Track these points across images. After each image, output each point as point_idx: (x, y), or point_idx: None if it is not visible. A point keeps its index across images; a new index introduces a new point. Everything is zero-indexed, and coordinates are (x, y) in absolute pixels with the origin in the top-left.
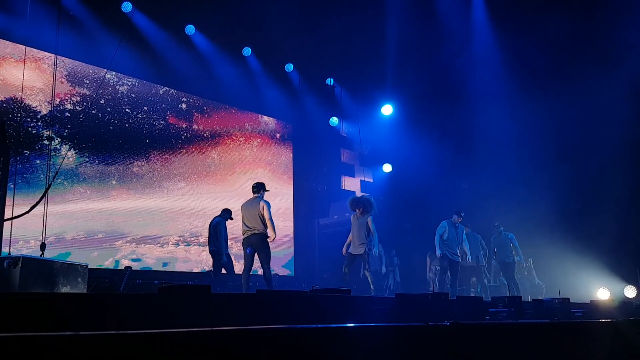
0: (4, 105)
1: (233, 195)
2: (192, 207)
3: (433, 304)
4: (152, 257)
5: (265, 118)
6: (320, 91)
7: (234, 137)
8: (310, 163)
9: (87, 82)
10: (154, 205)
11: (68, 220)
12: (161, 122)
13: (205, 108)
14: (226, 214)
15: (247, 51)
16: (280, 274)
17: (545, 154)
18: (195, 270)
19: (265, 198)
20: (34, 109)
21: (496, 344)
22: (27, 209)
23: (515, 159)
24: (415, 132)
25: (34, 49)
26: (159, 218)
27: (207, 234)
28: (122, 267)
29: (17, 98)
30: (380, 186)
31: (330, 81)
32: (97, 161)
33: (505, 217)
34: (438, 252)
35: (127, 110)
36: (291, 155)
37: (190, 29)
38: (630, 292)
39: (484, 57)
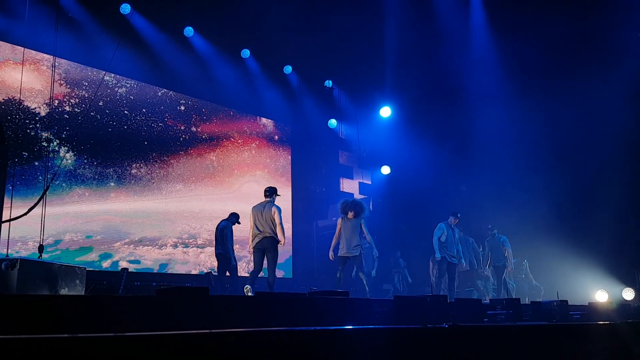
0: (3, 107)
1: (232, 197)
2: (191, 209)
3: (431, 306)
4: (150, 259)
5: (264, 120)
6: (319, 93)
7: (232, 139)
8: (309, 165)
9: (86, 84)
10: (153, 207)
11: (66, 222)
12: (160, 124)
13: (203, 110)
14: (233, 218)
15: (245, 53)
16: (278, 276)
17: (543, 156)
18: (194, 272)
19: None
20: (33, 110)
21: (494, 347)
22: (26, 210)
23: (514, 161)
24: (413, 134)
25: (33, 51)
26: (157, 220)
27: (205, 236)
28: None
29: (15, 100)
30: (378, 188)
31: (328, 83)
32: (95, 163)
33: (503, 219)
34: (438, 256)
35: (125, 112)
36: (290, 157)
37: (188, 31)
38: (628, 294)
39: (483, 59)
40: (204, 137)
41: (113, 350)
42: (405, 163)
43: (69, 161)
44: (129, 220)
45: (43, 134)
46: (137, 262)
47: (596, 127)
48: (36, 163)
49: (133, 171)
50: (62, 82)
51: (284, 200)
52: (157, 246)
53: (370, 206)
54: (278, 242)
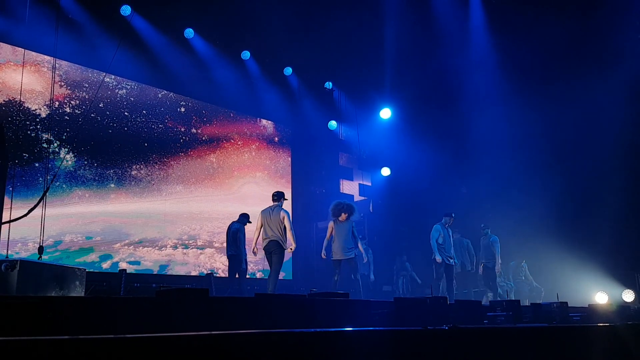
0: (3, 108)
1: (231, 199)
2: (190, 210)
3: (431, 308)
4: (150, 260)
5: (264, 122)
6: (319, 95)
7: (232, 141)
8: (309, 167)
9: (86, 85)
10: (152, 208)
11: (66, 223)
12: (160, 125)
13: (204, 112)
14: (244, 219)
15: (245, 55)
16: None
17: (543, 157)
18: (193, 273)
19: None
20: (33, 112)
21: (494, 348)
22: (26, 211)
23: (513, 162)
24: (413, 136)
25: (33, 52)
26: (157, 221)
27: (205, 237)
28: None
29: (16, 101)
30: (378, 190)
31: (328, 85)
32: (95, 164)
33: (503, 220)
34: (438, 258)
35: (125, 113)
36: (289, 158)
37: (189, 33)
38: (628, 296)
39: (482, 60)
40: (204, 138)
41: (113, 351)
42: (405, 164)
43: (69, 162)
44: (129, 222)
45: (43, 135)
46: (137, 263)
47: (595, 129)
48: (36, 164)
49: (133, 172)
50: (62, 83)
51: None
52: (157, 247)
53: (370, 208)
54: (284, 247)
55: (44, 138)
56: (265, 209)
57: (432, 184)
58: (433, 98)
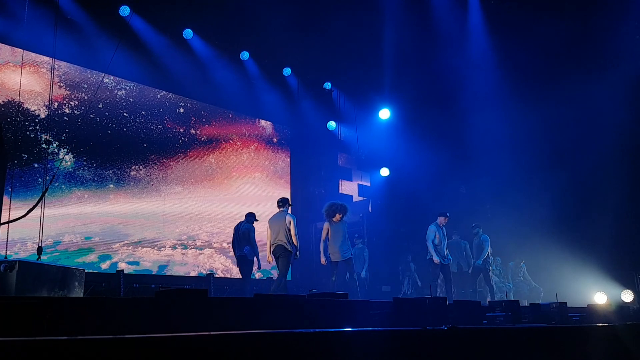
0: (2, 109)
1: (230, 199)
2: (189, 211)
3: (430, 308)
4: (149, 261)
5: (263, 122)
6: (318, 95)
7: (231, 141)
8: (308, 167)
9: (85, 86)
10: (151, 208)
11: (65, 224)
12: (159, 126)
13: (202, 112)
14: (252, 217)
15: (244, 55)
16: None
17: (542, 158)
18: (192, 273)
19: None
20: (32, 112)
21: (494, 349)
22: (25, 212)
23: (512, 163)
24: (412, 136)
25: (32, 53)
26: (156, 221)
27: (204, 237)
28: (123, 270)
29: (15, 102)
30: (377, 190)
31: (327, 85)
32: (94, 165)
33: (502, 221)
34: (436, 258)
35: (124, 114)
36: (289, 159)
37: (188, 33)
38: (627, 296)
39: (481, 61)
40: (203, 139)
41: (112, 352)
42: (404, 165)
43: (68, 163)
44: (128, 222)
45: (42, 136)
46: (136, 263)
47: (594, 129)
48: (35, 165)
49: (132, 173)
50: (61, 84)
51: None
52: (156, 248)
53: (370, 208)
54: (290, 251)
55: (43, 139)
56: (272, 216)
57: (431, 184)
58: (432, 98)
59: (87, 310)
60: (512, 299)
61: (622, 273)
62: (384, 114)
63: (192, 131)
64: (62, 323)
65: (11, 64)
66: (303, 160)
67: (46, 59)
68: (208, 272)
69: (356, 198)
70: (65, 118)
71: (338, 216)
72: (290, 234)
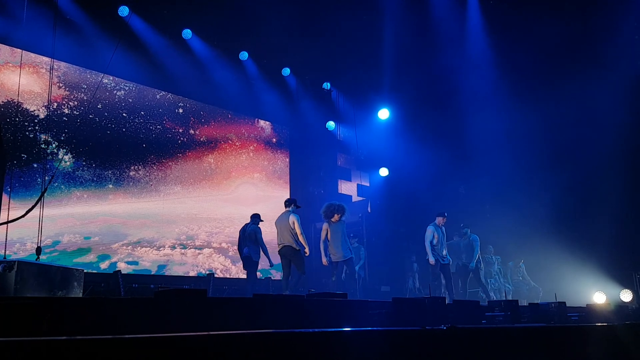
0: (2, 109)
1: (229, 200)
2: (189, 211)
3: (430, 308)
4: (148, 260)
5: (262, 122)
6: (317, 95)
7: (230, 142)
8: (307, 167)
9: (84, 86)
10: (151, 209)
11: (65, 224)
12: (158, 126)
13: (202, 113)
14: (257, 218)
15: (243, 55)
16: (277, 278)
17: (541, 158)
18: (192, 273)
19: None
20: (32, 113)
21: (493, 348)
22: (24, 212)
23: (512, 163)
24: (412, 136)
25: (31, 54)
26: (155, 222)
27: (203, 237)
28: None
29: (14, 102)
30: (376, 190)
31: (327, 85)
32: (94, 165)
33: (501, 221)
34: (432, 259)
35: (124, 114)
36: (288, 159)
37: (187, 33)
38: (626, 296)
39: (480, 61)
40: (202, 139)
41: (111, 352)
42: (403, 165)
43: (68, 163)
44: (127, 222)
45: (42, 136)
46: (135, 263)
47: (593, 129)
48: (35, 165)
49: (131, 173)
50: (60, 84)
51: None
52: (155, 247)
53: (369, 208)
54: (297, 250)
55: (42, 139)
56: (278, 216)
57: (430, 185)
58: (431, 98)
59: (86, 310)
60: (511, 298)
61: (621, 273)
62: (383, 114)
63: (191, 131)
64: (61, 323)
65: (10, 65)
66: (302, 161)
67: (45, 59)
68: (208, 272)
69: (355, 198)
70: (64, 118)
71: (336, 216)
72: (295, 234)
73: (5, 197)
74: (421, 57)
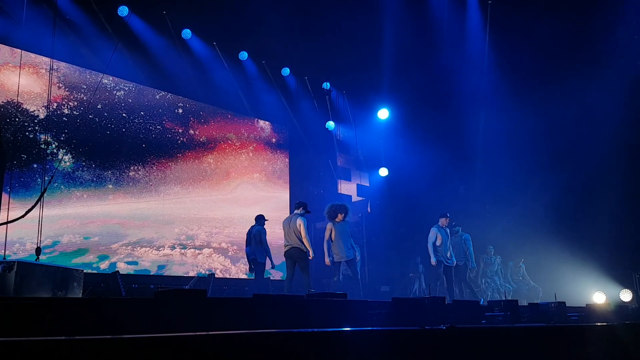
0: (1, 109)
1: (229, 200)
2: (188, 211)
3: (429, 308)
4: (148, 261)
5: (262, 122)
6: (317, 95)
7: (230, 142)
8: (307, 167)
9: (84, 86)
10: (150, 209)
11: (64, 224)
12: (158, 127)
13: (201, 113)
14: (262, 220)
15: (243, 55)
16: (276, 278)
17: (540, 157)
18: (191, 273)
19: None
20: (31, 113)
21: (492, 348)
22: (23, 212)
23: (511, 163)
24: (411, 136)
25: (31, 54)
26: (154, 222)
27: (203, 237)
28: (118, 271)
29: (14, 102)
30: (376, 190)
31: (326, 85)
32: (93, 165)
33: (500, 220)
34: (433, 260)
35: (123, 115)
36: (287, 159)
37: (186, 33)
38: (626, 295)
39: (479, 61)
40: (201, 139)
41: (110, 352)
42: (403, 165)
43: (67, 163)
44: (127, 222)
45: (41, 136)
46: (135, 263)
47: (593, 129)
48: (34, 165)
49: (131, 173)
50: (60, 84)
51: (282, 202)
52: (154, 247)
53: (369, 208)
54: (305, 252)
55: (42, 139)
56: (286, 218)
57: (430, 184)
58: (431, 98)
59: (86, 310)
60: (511, 298)
61: (620, 272)
62: (383, 114)
63: (191, 132)
64: (60, 324)
65: (10, 65)
66: (302, 161)
67: (45, 59)
68: (209, 273)
69: (355, 198)
70: (64, 119)
71: (340, 216)
72: (302, 236)
73: (5, 197)
74: (421, 57)
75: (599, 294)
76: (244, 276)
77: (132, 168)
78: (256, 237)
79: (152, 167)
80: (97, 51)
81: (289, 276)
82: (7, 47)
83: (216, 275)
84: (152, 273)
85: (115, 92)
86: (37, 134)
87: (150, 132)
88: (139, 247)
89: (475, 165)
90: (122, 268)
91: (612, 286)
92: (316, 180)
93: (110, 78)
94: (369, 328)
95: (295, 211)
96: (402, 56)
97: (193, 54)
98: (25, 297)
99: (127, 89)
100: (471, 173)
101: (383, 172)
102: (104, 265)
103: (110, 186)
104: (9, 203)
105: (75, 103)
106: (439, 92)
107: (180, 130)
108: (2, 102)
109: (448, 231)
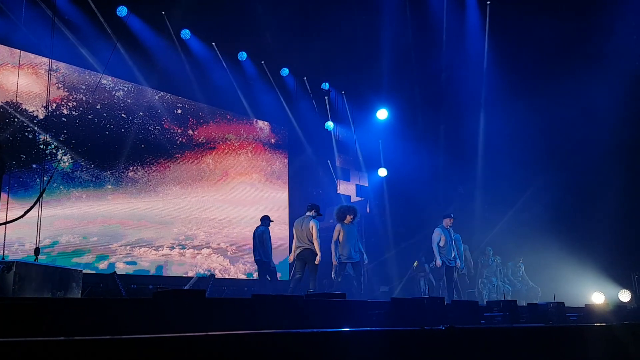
0: (1, 110)
1: (227, 200)
2: (187, 211)
3: (428, 308)
4: (147, 261)
5: (260, 123)
6: (316, 96)
7: (229, 142)
8: (306, 167)
9: (83, 87)
10: (149, 209)
11: (63, 224)
12: (157, 127)
13: (200, 113)
14: (268, 220)
15: (242, 56)
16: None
17: (539, 157)
18: (190, 274)
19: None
20: (31, 113)
21: (491, 348)
22: (22, 212)
23: (510, 162)
24: (410, 136)
25: (30, 54)
26: (153, 222)
27: (202, 237)
28: (118, 271)
29: (13, 103)
30: (375, 190)
31: (325, 85)
32: (92, 166)
33: (500, 221)
34: (439, 261)
35: (122, 115)
36: (286, 159)
37: (185, 34)
38: (624, 296)
39: (478, 61)
40: (200, 140)
41: (109, 352)
42: (402, 165)
43: (66, 164)
44: (126, 222)
45: (41, 136)
46: (134, 263)
47: (592, 128)
48: (33, 165)
49: (130, 174)
50: (59, 85)
51: (281, 203)
52: (153, 248)
53: (367, 208)
54: (317, 254)
55: (41, 140)
56: (298, 218)
57: (429, 184)
58: (430, 98)
59: (84, 311)
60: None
61: (619, 273)
62: (382, 114)
63: (190, 132)
64: (59, 324)
65: (9, 65)
66: (301, 161)
67: (44, 60)
68: (210, 273)
69: (354, 198)
70: (63, 119)
71: (349, 218)
72: (312, 239)
73: (4, 198)
74: (420, 57)
75: (598, 294)
76: (244, 276)
77: (131, 168)
78: (260, 238)
79: (151, 167)
80: (96, 51)
81: (298, 277)
82: (6, 48)
83: (216, 276)
84: (151, 273)
85: (114, 92)
86: (36, 134)
87: (149, 132)
88: (137, 248)
89: (474, 165)
90: (121, 268)
91: (611, 286)
92: (315, 181)
93: (110, 78)
94: (368, 328)
95: (307, 213)
96: (401, 56)
97: (192, 54)
98: (24, 297)
99: (126, 89)
100: (470, 173)
101: (382, 172)
102: (102, 266)
103: (109, 186)
104: (7, 203)
105: (75, 103)
106: (438, 93)
107: (179, 131)
108: (1, 102)
109: (452, 231)
